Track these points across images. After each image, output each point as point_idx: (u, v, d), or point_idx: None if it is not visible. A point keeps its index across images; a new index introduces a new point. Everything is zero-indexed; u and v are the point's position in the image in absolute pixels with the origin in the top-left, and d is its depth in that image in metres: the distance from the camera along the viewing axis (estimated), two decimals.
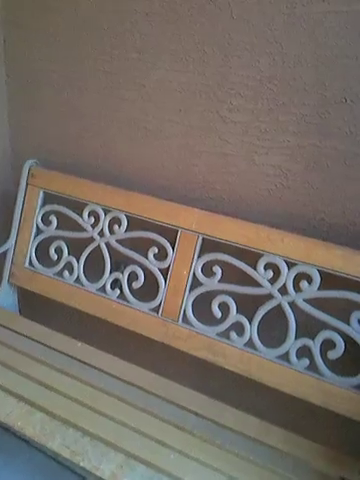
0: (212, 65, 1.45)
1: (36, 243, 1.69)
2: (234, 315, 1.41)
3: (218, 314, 1.42)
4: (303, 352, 1.32)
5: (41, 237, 1.69)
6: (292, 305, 1.33)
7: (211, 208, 1.54)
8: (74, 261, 1.64)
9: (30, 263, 1.70)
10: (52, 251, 1.67)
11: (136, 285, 1.54)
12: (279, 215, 1.46)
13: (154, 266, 1.51)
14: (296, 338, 1.34)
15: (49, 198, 1.69)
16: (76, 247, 1.63)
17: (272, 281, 1.36)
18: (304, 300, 1.32)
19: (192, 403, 1.37)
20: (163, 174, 1.63)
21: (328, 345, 1.29)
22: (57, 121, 1.78)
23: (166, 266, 1.49)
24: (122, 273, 1.57)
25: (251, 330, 1.38)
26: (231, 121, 1.47)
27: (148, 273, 1.52)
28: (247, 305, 1.40)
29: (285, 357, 1.34)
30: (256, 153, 1.45)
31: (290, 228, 1.43)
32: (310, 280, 1.31)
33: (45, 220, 1.69)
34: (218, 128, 1.49)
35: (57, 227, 1.67)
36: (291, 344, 1.34)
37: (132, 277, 1.55)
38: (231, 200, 1.53)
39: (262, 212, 1.49)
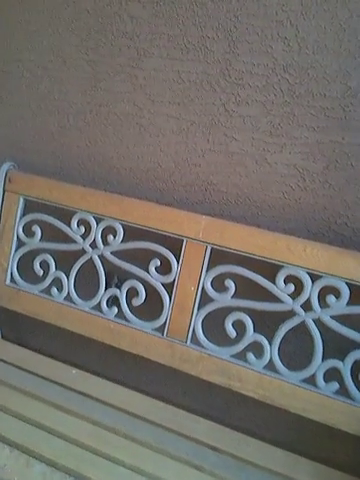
0: (216, 52, 1.28)
1: (18, 257, 1.50)
2: (251, 334, 1.26)
3: (232, 333, 1.27)
4: (332, 375, 1.19)
5: (23, 250, 1.49)
6: (318, 322, 1.19)
7: (215, 213, 1.39)
8: (63, 276, 1.45)
9: (12, 280, 1.51)
10: (37, 266, 1.48)
11: (136, 302, 1.37)
12: (294, 220, 1.31)
13: (156, 281, 1.34)
14: (323, 359, 1.20)
15: (30, 206, 1.50)
16: (65, 261, 1.45)
17: (294, 296, 1.21)
18: (331, 317, 1.18)
19: (209, 436, 1.23)
20: (159, 176, 1.45)
21: None
22: (35, 117, 1.57)
23: (170, 280, 1.32)
24: (118, 287, 1.40)
25: (271, 351, 1.24)
26: (239, 115, 1.30)
27: (150, 289, 1.35)
28: (266, 323, 1.25)
29: (311, 380, 1.20)
30: (268, 151, 1.30)
31: (306, 233, 1.30)
32: (337, 294, 1.17)
33: (27, 231, 1.49)
34: (223, 123, 1.32)
35: (42, 238, 1.48)
36: (318, 366, 1.20)
37: (131, 293, 1.38)
38: (239, 204, 1.37)
39: (275, 217, 1.34)
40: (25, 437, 1.15)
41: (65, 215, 1.44)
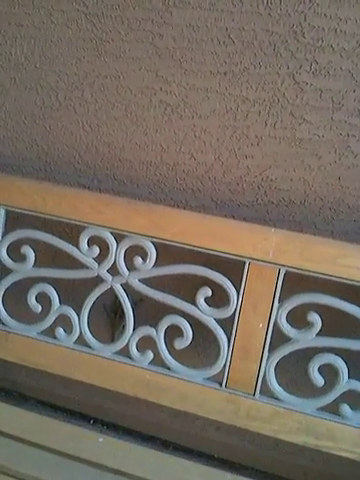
0: (284, 1, 0.92)
1: (3, 289, 1.10)
2: (345, 382, 0.96)
3: (320, 381, 0.97)
4: None
5: (11, 279, 1.10)
6: None
7: (271, 218, 1.08)
8: (72, 313, 1.08)
9: None
10: (33, 300, 1.09)
11: (180, 344, 1.03)
12: None
13: (208, 316, 1.01)
14: None
15: (16, 220, 1.10)
16: (73, 292, 1.08)
17: None
18: None
19: None
20: (192, 171, 1.09)
21: None
22: (7, 94, 1.15)
23: (228, 315, 0.99)
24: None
25: None
26: (314, 89, 0.96)
27: (197, 326, 1.02)
28: None
29: None
30: (353, 137, 0.98)
31: None
32: None
33: (15, 253, 1.09)
34: (291, 100, 0.98)
35: (36, 263, 1.09)
36: None
37: (172, 333, 1.04)
38: (306, 205, 1.05)
39: (357, 221, 1.03)
40: None
41: (68, 231, 1.07)
